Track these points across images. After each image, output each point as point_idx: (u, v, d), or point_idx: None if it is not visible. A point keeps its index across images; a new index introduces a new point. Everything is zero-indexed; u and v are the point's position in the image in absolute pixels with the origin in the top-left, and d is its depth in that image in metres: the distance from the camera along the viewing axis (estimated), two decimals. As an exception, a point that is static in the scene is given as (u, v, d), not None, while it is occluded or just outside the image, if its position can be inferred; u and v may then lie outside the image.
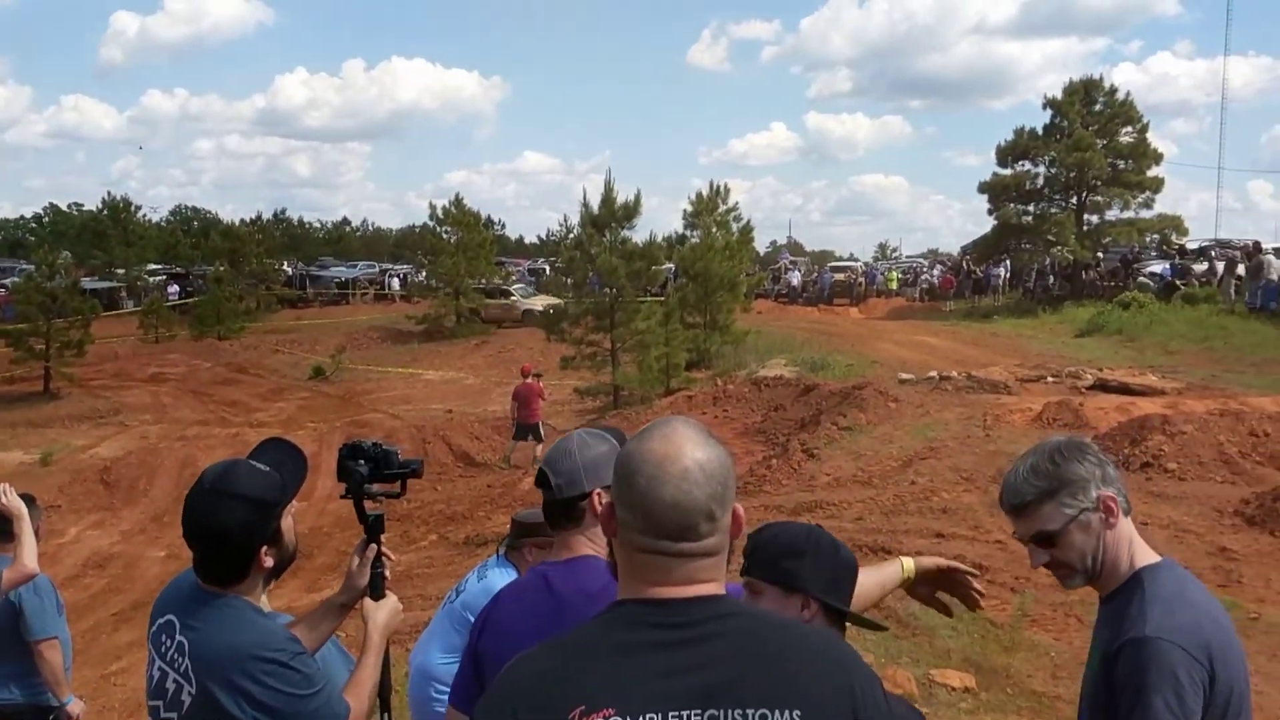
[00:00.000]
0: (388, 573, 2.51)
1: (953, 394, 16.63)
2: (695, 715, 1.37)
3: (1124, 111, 36.40)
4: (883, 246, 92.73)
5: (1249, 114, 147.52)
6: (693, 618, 1.43)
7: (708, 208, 27.79)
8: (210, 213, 68.75)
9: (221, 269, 39.03)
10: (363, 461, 2.49)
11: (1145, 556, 2.07)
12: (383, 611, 2.46)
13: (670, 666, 1.39)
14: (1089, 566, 2.05)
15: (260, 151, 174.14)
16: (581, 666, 1.40)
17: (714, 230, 27.31)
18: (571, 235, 22.34)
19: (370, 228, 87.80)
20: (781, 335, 28.06)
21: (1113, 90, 36.61)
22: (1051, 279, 38.28)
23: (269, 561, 2.25)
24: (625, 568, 1.49)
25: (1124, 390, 16.48)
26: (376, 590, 2.49)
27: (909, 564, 2.55)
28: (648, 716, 1.36)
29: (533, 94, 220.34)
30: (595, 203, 21.45)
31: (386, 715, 2.53)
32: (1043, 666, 5.71)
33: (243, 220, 50.89)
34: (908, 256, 67.54)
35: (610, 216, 21.38)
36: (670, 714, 1.36)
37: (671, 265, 29.11)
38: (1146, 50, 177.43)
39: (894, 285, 45.69)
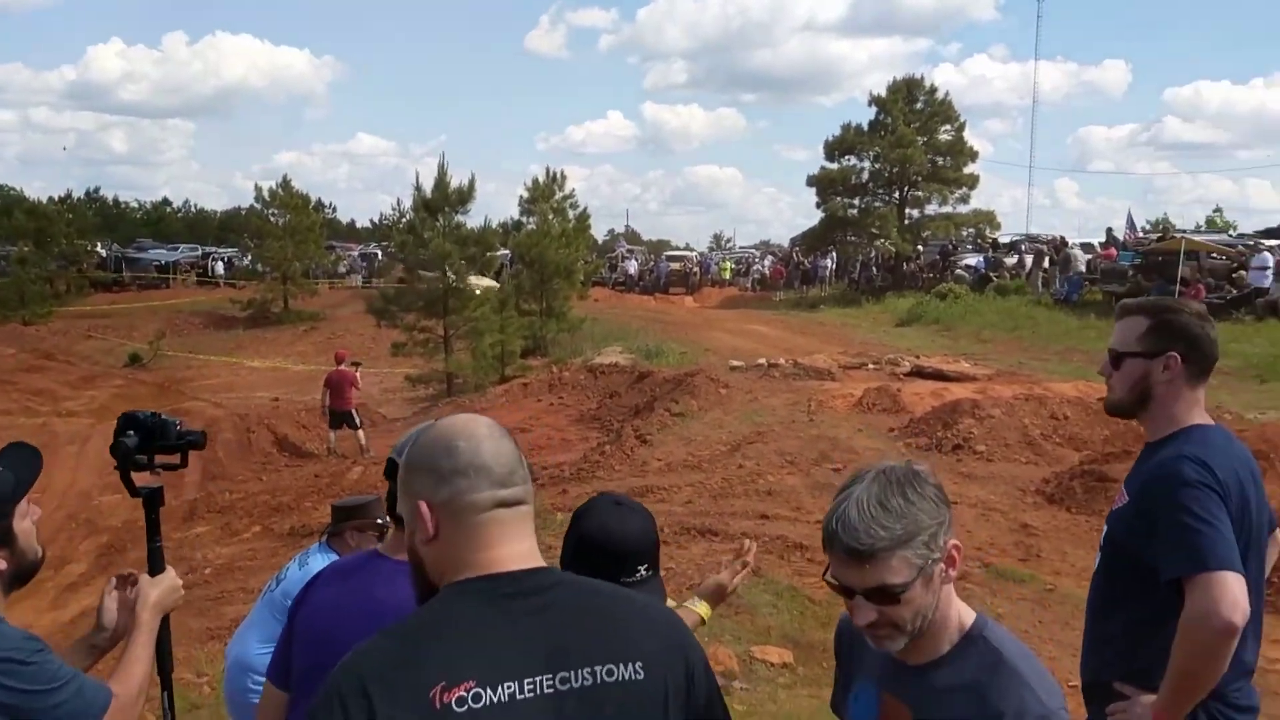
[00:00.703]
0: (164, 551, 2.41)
1: (780, 381, 17.11)
2: (548, 679, 1.44)
3: (943, 110, 38.15)
4: (717, 237, 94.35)
5: (1057, 116, 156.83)
6: (532, 587, 1.50)
7: (544, 194, 27.73)
8: (14, 189, 64.38)
9: (26, 249, 36.67)
10: (132, 433, 2.38)
11: (967, 612, 1.78)
12: (157, 588, 2.30)
13: (519, 635, 1.45)
14: (917, 627, 1.67)
15: (71, 126, 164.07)
16: (433, 647, 1.42)
17: (550, 217, 27.28)
18: (404, 219, 21.93)
19: (193, 209, 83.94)
20: (618, 323, 28.27)
21: (933, 90, 38.34)
22: (875, 270, 39.83)
23: (1, 565, 2.10)
24: (460, 545, 1.52)
25: (939, 376, 17.25)
26: (156, 566, 2.35)
27: (703, 608, 2.64)
28: (506, 685, 1.41)
29: (366, 75, 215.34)
30: (429, 186, 21.14)
31: (167, 694, 2.43)
32: (857, 640, 5.96)
33: (51, 198, 47.75)
34: (741, 247, 68.96)
35: (444, 200, 21.10)
36: (526, 681, 1.42)
37: (507, 251, 28.94)
38: (965, 52, 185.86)
39: (727, 275, 46.66)
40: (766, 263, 48.03)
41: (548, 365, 21.50)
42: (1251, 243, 27.27)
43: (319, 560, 3.72)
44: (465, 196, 21.20)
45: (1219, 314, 22.52)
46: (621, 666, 1.47)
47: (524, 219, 27.93)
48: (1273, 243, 26.87)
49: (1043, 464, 10.85)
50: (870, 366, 18.91)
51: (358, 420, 16.22)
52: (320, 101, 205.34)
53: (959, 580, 5.53)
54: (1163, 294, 23.87)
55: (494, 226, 23.78)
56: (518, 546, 1.53)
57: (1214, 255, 26.28)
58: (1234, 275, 24.41)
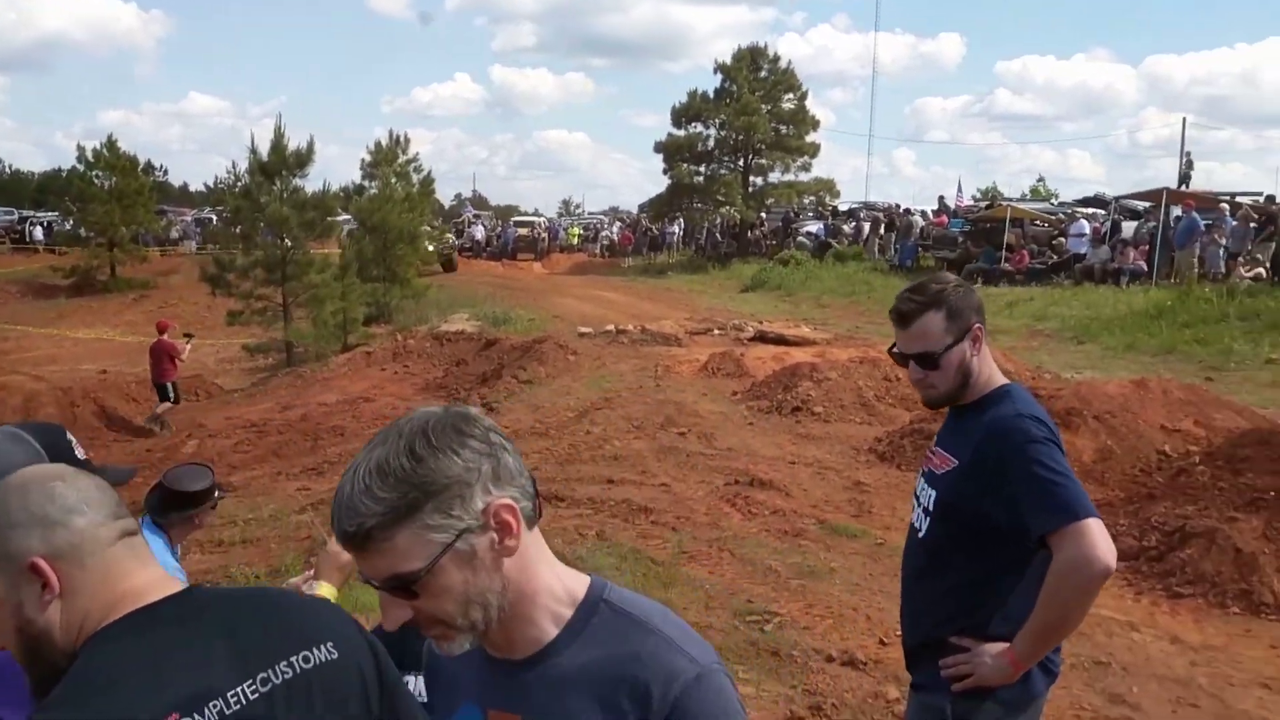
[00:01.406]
0: None
1: (628, 347, 17.28)
2: (250, 685, 1.37)
3: (786, 79, 38.83)
4: (566, 203, 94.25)
5: (896, 86, 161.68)
6: (192, 606, 1.42)
7: (387, 158, 27.12)
8: None
9: None
10: None
11: (576, 579, 1.43)
12: None
13: (203, 655, 1.37)
14: (477, 619, 1.30)
15: None
16: (116, 700, 1.29)
17: (394, 181, 26.71)
18: (240, 183, 21.11)
19: (8, 170, 78.78)
20: (464, 290, 27.95)
21: (776, 59, 38.95)
22: (721, 237, 40.40)
23: None
24: (97, 587, 1.38)
25: (780, 341, 17.72)
26: None
27: (326, 590, 2.57)
28: (212, 706, 1.33)
29: (200, 31, 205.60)
30: (265, 149, 20.39)
31: None
32: (697, 599, 6.12)
33: None
34: (590, 213, 68.99)
35: (281, 164, 20.38)
36: (229, 695, 1.35)
37: (349, 216, 28.22)
38: (809, 22, 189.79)
39: (575, 241, 46.62)
40: (615, 229, 48.19)
41: (392, 333, 21.11)
42: (1070, 211, 28.80)
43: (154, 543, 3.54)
44: (304, 160, 20.53)
45: (1041, 279, 23.79)
46: (315, 650, 1.44)
47: (366, 183, 27.27)
48: (1090, 211, 28.45)
49: (876, 424, 11.29)
50: (716, 332, 19.28)
51: (171, 393, 15.67)
52: (149, 58, 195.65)
53: (795, 536, 5.72)
54: (993, 261, 25.11)
55: (335, 191, 23.12)
56: (155, 572, 1.45)
57: (1037, 223, 27.65)
58: (1054, 242, 25.73)
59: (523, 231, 45.19)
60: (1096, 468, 9.21)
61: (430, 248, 31.78)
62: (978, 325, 2.46)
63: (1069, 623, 2.33)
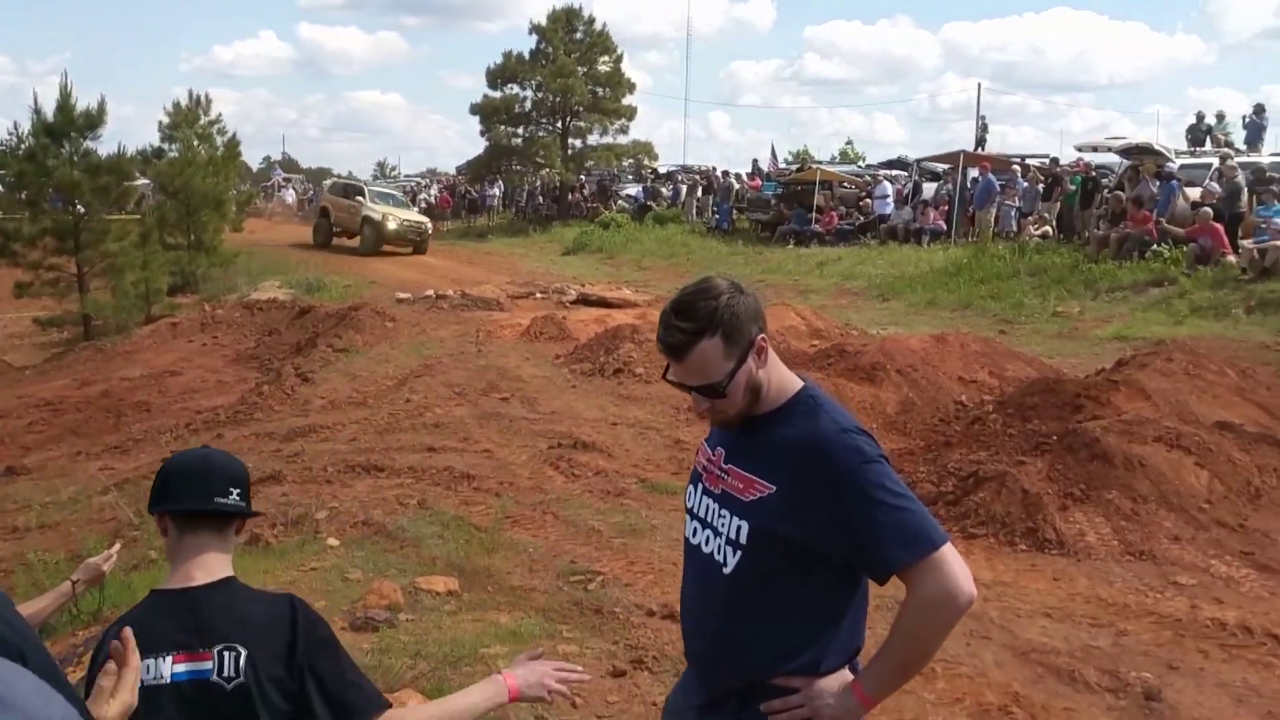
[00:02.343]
0: None
1: (449, 312, 17.08)
2: None
3: (601, 41, 38.83)
4: (381, 165, 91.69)
5: (711, 50, 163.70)
6: None
7: (188, 119, 25.79)
8: None
9: None
10: None
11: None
12: None
13: None
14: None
15: None
16: None
17: (196, 144, 25.44)
18: (23, 146, 19.67)
19: None
20: (276, 256, 26.99)
21: (591, 20, 38.86)
22: (541, 200, 40.24)
23: None
24: None
25: (602, 304, 17.86)
26: None
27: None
28: None
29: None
30: (51, 109, 19.05)
31: None
32: (521, 563, 6.17)
33: None
34: (406, 175, 67.43)
35: (70, 125, 19.09)
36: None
37: (148, 181, 26.75)
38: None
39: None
40: (433, 191, 47.33)
41: (199, 303, 20.21)
42: (875, 174, 29.95)
43: None
44: (95, 121, 19.27)
45: (849, 239, 24.70)
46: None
47: (166, 146, 25.88)
48: (893, 173, 29.67)
49: (695, 383, 11.54)
50: (538, 295, 19.27)
51: None
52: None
53: (617, 496, 5.81)
54: (804, 222, 25.92)
55: (131, 154, 21.78)
56: None
57: (845, 185, 28.64)
58: (861, 203, 26.73)
59: (336, 195, 43.84)
60: (899, 419, 9.71)
61: (392, 226, 29.17)
62: (759, 336, 2.12)
63: (929, 656, 2.17)
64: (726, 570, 2.16)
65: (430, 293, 18.57)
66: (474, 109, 39.28)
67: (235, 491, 2.17)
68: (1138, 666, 4.75)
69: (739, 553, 2.14)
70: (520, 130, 39.15)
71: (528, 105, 38.93)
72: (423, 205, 43.95)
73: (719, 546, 2.18)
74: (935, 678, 4.61)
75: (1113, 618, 5.31)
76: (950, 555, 2.01)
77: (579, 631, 5.17)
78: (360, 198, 30.93)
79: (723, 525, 2.18)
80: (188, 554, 2.14)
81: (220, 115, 26.21)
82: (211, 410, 11.85)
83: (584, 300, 18.37)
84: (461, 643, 4.90)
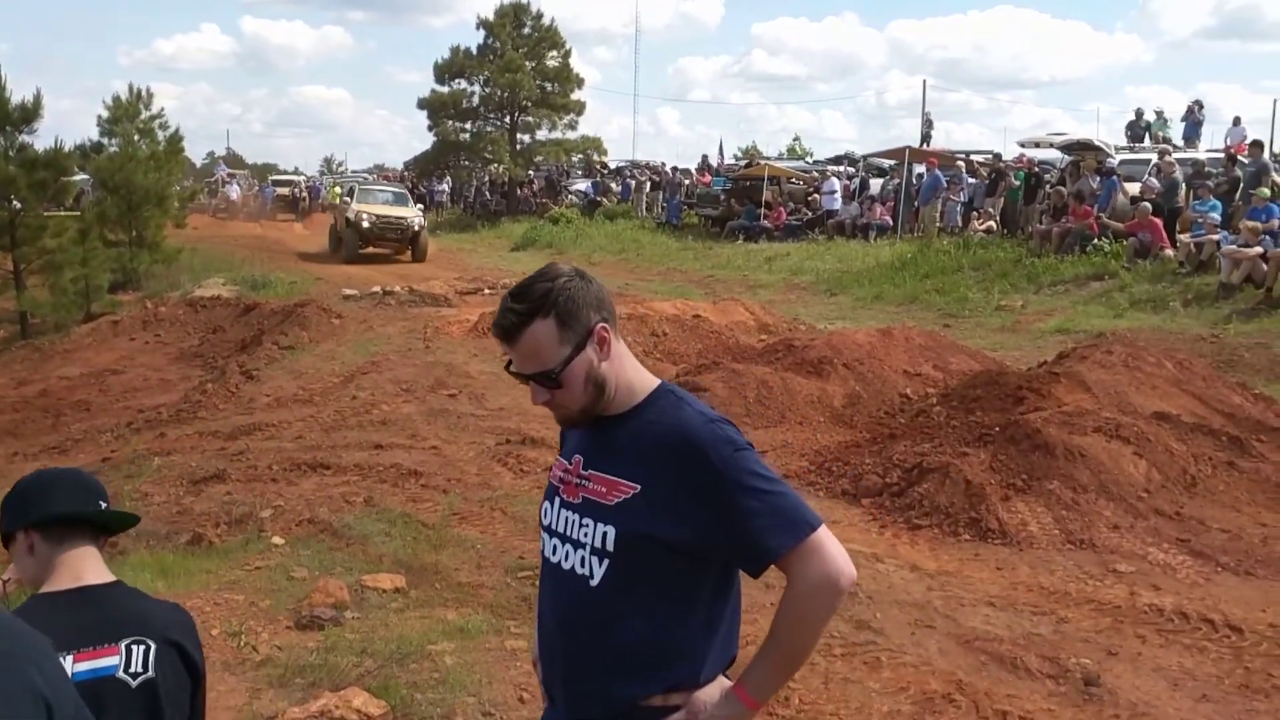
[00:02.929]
0: None
1: (396, 308, 16.93)
2: None
3: (550, 36, 38.71)
4: (328, 161, 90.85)
5: (660, 45, 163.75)
6: None
7: (128, 113, 25.30)
8: None
9: None
10: None
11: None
12: None
13: None
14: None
15: None
16: None
17: (137, 139, 24.99)
18: (-44, 140, 19.18)
19: None
20: (220, 253, 26.61)
21: (539, 15, 38.75)
22: (489, 195, 40.06)
23: None
24: None
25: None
26: None
27: None
28: None
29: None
30: (-15, 103, 18.62)
31: None
32: (469, 560, 6.14)
33: None
34: (354, 171, 66.79)
35: (4, 119, 18.69)
36: None
37: (86, 176, 26.24)
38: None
39: (337, 200, 45.09)
40: (326, 181, 46.84)
41: (141, 300, 19.86)
42: (824, 169, 30.17)
43: None
44: (31, 114, 18.89)
45: (797, 235, 24.85)
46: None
47: (105, 141, 25.38)
48: (841, 169, 29.90)
49: (645, 378, 11.56)
50: (486, 291, 19.17)
51: None
52: None
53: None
54: (753, 218, 26.03)
55: (69, 149, 21.32)
56: None
57: (793, 181, 28.80)
58: (810, 199, 26.90)
59: (282, 191, 43.50)
60: (846, 412, 9.79)
61: (365, 225, 25.88)
62: (600, 324, 1.99)
63: (812, 646, 2.05)
64: (594, 583, 1.99)
65: (377, 289, 18.40)
66: (421, 104, 39.04)
67: (104, 505, 2.13)
68: (1078, 653, 4.83)
69: (606, 561, 1.98)
70: (468, 125, 38.97)
71: (475, 100, 38.76)
72: (324, 197, 43.25)
73: (582, 559, 2.01)
74: (880, 666, 4.67)
75: (1054, 606, 5.40)
76: (827, 537, 1.93)
77: (527, 627, 5.16)
78: (349, 198, 28.07)
79: (585, 535, 2.01)
80: (71, 560, 2.05)
81: (162, 110, 25.75)
82: (154, 409, 11.67)
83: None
84: (408, 640, 4.87)
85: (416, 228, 26.63)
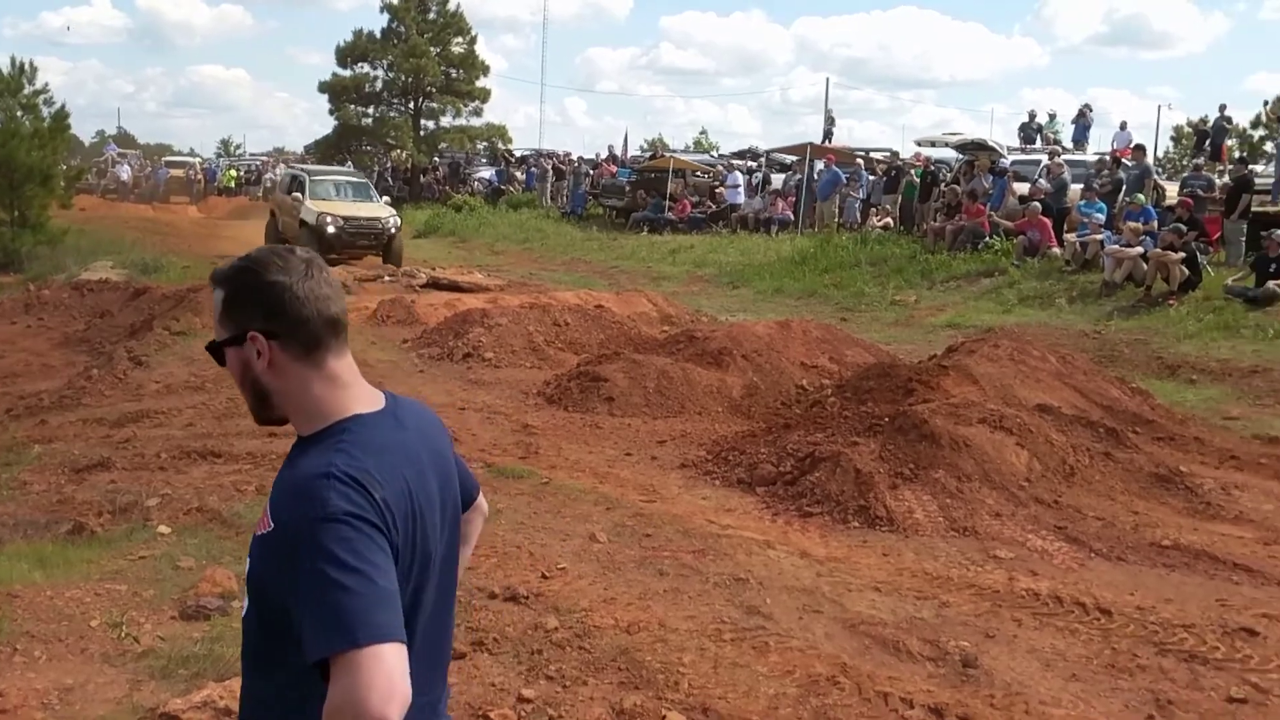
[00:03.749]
0: None
1: (293, 295, 16.58)
2: None
3: (455, 22, 38.34)
4: (225, 143, 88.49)
5: (568, 35, 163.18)
6: None
7: (10, 88, 24.32)
8: None
9: None
10: None
11: None
12: None
13: None
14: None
15: None
16: None
17: (19, 114, 24.05)
18: None
19: None
20: (109, 235, 25.76)
21: (445, 1, 38.30)
22: (392, 181, 39.52)
23: None
24: None
25: (453, 288, 17.67)
26: None
27: None
28: None
29: None
30: None
31: None
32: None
33: None
34: (252, 154, 65.23)
35: None
36: None
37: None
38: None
39: (234, 184, 44.03)
40: (279, 171, 45.89)
41: (23, 283, 19.12)
42: (728, 163, 30.46)
43: None
44: (-96, 86, 18.07)
45: (701, 227, 25.06)
46: None
47: (-14, 116, 24.37)
48: (745, 163, 30.22)
49: (545, 368, 11.57)
50: (386, 279, 18.95)
51: None
52: None
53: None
54: (658, 210, 26.16)
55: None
56: None
57: (698, 174, 29.05)
58: (714, 192, 27.15)
59: (176, 173, 42.29)
60: (744, 402, 9.95)
61: (330, 231, 20.77)
62: (253, 333, 1.75)
63: None
64: (244, 615, 1.81)
65: (275, 275, 18.00)
66: (323, 87, 38.36)
67: None
68: (957, 636, 5.00)
69: (249, 597, 1.79)
70: (371, 110, 38.45)
71: (379, 85, 38.26)
72: (268, 184, 42.54)
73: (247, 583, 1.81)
74: (769, 651, 4.77)
75: (936, 590, 5.58)
76: (370, 662, 1.54)
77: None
78: (299, 194, 22.22)
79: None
80: None
81: (47, 85, 24.82)
82: (35, 395, 11.25)
83: (435, 284, 18.14)
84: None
85: (393, 229, 21.68)
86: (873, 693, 4.39)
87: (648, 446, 8.62)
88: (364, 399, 1.80)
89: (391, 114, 38.14)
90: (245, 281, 1.76)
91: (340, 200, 22.08)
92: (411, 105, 38.27)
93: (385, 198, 27.14)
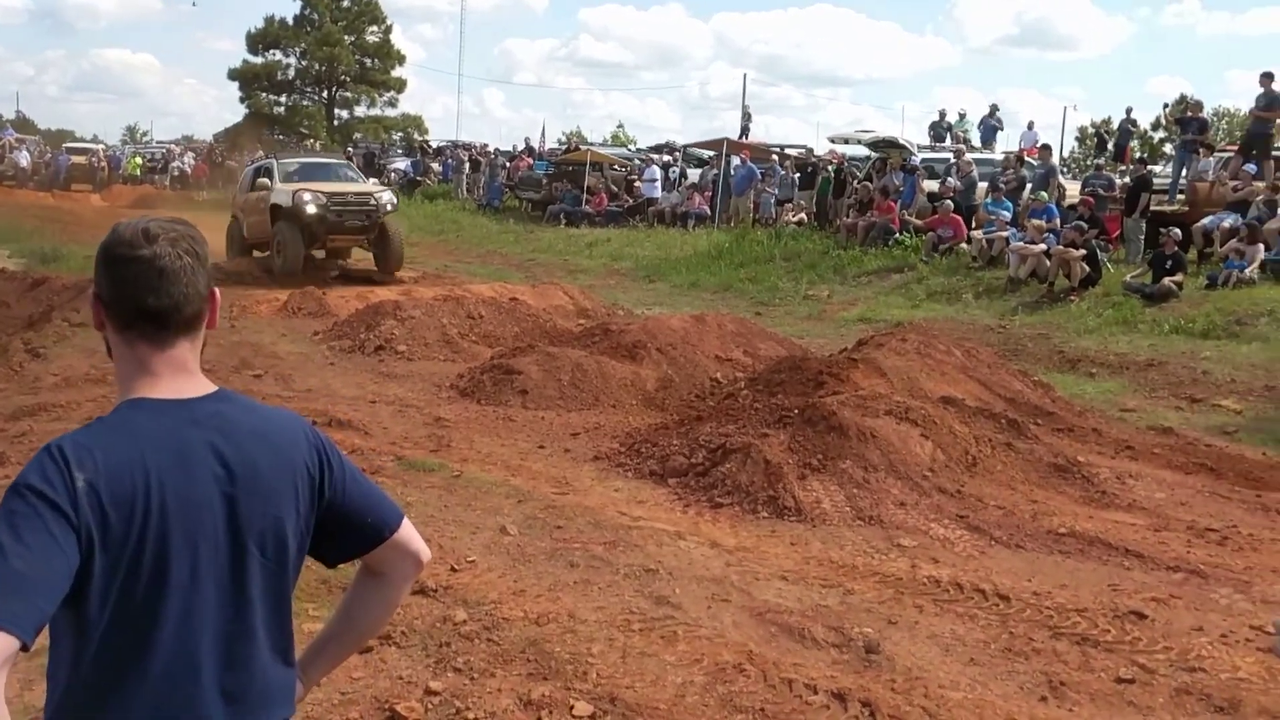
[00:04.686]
0: None
1: (200, 286, 16.23)
2: None
3: (370, 11, 37.87)
4: (131, 130, 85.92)
5: (486, 26, 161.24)
6: None
7: (-102, 69, 23.44)
8: None
9: None
10: None
11: None
12: None
13: None
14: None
15: None
16: None
17: (-93, 96, 23.16)
18: None
19: None
20: (6, 223, 24.92)
21: (360, -12, 37.79)
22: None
23: None
24: None
25: (367, 280, 17.45)
26: None
27: None
28: None
29: None
30: None
31: None
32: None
33: None
34: (159, 142, 63.47)
35: None
36: None
37: None
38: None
39: (139, 172, 42.82)
40: (187, 160, 44.76)
41: (-88, 272, 18.42)
42: (645, 157, 30.54)
43: None
44: None
45: (618, 221, 25.09)
46: None
47: None
48: (663, 158, 30.32)
49: (459, 361, 11.50)
50: (298, 270, 18.59)
51: None
52: None
53: (372, 474, 5.74)
54: (575, 203, 26.11)
55: None
56: None
57: (615, 167, 29.07)
58: (632, 186, 27.20)
59: (78, 160, 40.83)
60: (658, 395, 10.01)
61: (311, 210, 16.81)
62: (95, 292, 1.76)
63: None
64: None
65: (181, 266, 17.55)
66: (233, 75, 37.59)
67: None
68: (861, 622, 5.10)
69: None
70: (283, 99, 37.78)
71: (291, 73, 37.67)
72: (175, 173, 41.48)
73: None
74: (677, 640, 4.82)
75: (842, 578, 5.68)
76: None
77: (326, 610, 5.08)
78: (266, 178, 18.30)
79: None
80: None
81: (-63, 66, 23.89)
82: (-75, 389, 10.85)
83: (347, 276, 17.89)
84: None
85: (388, 207, 17.77)
86: (778, 679, 4.45)
87: (561, 439, 8.62)
88: (166, 389, 1.72)
89: (304, 103, 37.60)
90: (101, 245, 1.74)
91: (319, 181, 18.10)
92: (325, 94, 37.68)
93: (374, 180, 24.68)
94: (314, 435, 1.87)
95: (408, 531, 1.97)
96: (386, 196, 17.99)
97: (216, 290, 1.82)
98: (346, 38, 36.68)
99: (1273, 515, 7.21)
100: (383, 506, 1.95)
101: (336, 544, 1.91)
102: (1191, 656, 4.82)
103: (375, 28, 37.90)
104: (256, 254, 18.92)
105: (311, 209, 16.83)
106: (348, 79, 37.23)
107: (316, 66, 36.83)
